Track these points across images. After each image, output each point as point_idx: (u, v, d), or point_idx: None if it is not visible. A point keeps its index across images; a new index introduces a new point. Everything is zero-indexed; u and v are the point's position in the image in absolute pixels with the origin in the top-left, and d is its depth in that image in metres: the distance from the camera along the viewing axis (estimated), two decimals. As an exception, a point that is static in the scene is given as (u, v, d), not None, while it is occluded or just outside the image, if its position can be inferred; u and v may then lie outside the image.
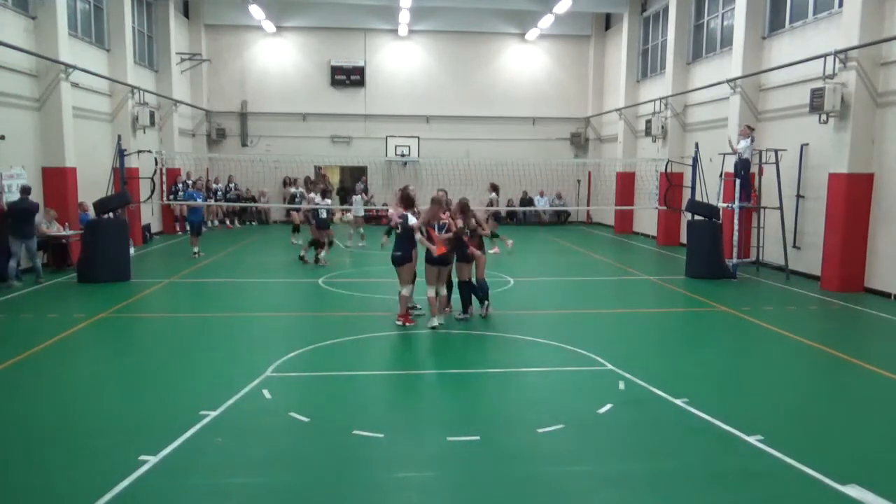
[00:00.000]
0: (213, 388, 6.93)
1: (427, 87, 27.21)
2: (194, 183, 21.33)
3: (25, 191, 12.59)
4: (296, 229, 18.88)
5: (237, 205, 25.36)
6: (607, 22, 27.29)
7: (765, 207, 14.71)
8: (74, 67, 15.08)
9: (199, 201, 17.45)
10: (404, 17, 24.98)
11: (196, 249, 16.57)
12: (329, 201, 16.48)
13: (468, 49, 27.26)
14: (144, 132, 19.34)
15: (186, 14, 25.13)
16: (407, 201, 9.76)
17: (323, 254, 15.42)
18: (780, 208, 14.20)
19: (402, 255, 9.50)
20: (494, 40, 27.40)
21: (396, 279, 9.78)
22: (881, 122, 12.24)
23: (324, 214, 15.57)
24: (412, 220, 9.48)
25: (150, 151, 17.17)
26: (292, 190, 19.15)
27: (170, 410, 6.31)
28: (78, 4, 16.90)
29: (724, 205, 14.53)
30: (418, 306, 10.44)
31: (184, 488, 4.86)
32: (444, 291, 9.77)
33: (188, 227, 17.80)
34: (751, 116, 16.05)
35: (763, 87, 16.03)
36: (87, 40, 17.21)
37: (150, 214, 20.74)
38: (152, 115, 19.47)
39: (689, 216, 15.17)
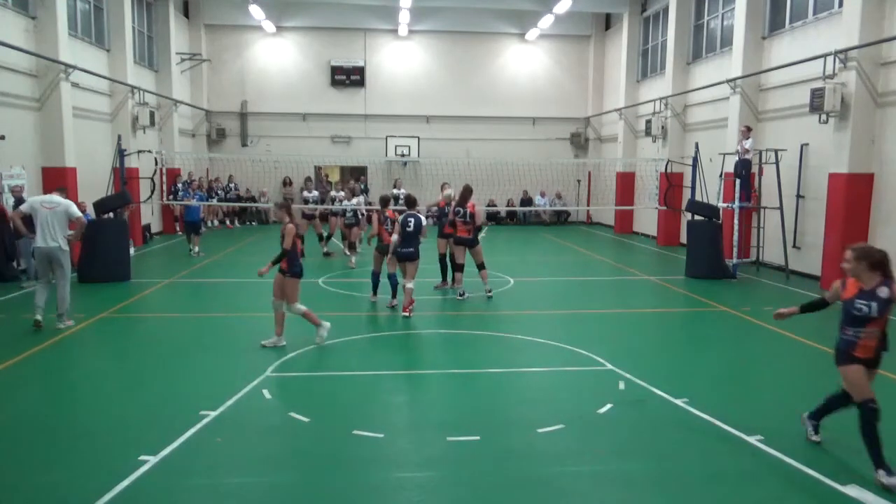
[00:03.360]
0: (213, 388, 6.93)
1: (427, 87, 27.21)
2: (191, 182, 21.36)
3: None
4: (323, 237, 17.50)
5: (237, 205, 25.37)
6: (607, 22, 27.29)
7: (765, 207, 14.71)
8: (74, 67, 15.09)
9: (196, 201, 17.55)
10: (404, 17, 24.97)
11: (196, 249, 16.66)
12: (357, 200, 16.07)
13: (468, 49, 27.26)
14: (144, 132, 19.35)
15: (186, 14, 25.13)
16: (409, 201, 10.80)
17: (326, 248, 16.19)
18: (780, 208, 14.20)
19: (414, 252, 10.25)
20: (494, 40, 27.40)
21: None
22: (881, 122, 12.24)
23: (350, 214, 15.64)
24: (424, 221, 10.51)
25: (150, 151, 17.20)
26: (333, 193, 17.31)
27: (170, 410, 6.32)
28: (78, 4, 16.90)
29: (724, 205, 14.52)
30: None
31: (184, 488, 4.86)
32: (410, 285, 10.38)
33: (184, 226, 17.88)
34: (751, 116, 16.06)
35: (763, 87, 16.03)
36: (87, 40, 17.21)
37: (150, 214, 20.75)
38: (152, 115, 19.48)
39: (689, 216, 15.17)
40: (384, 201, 11.57)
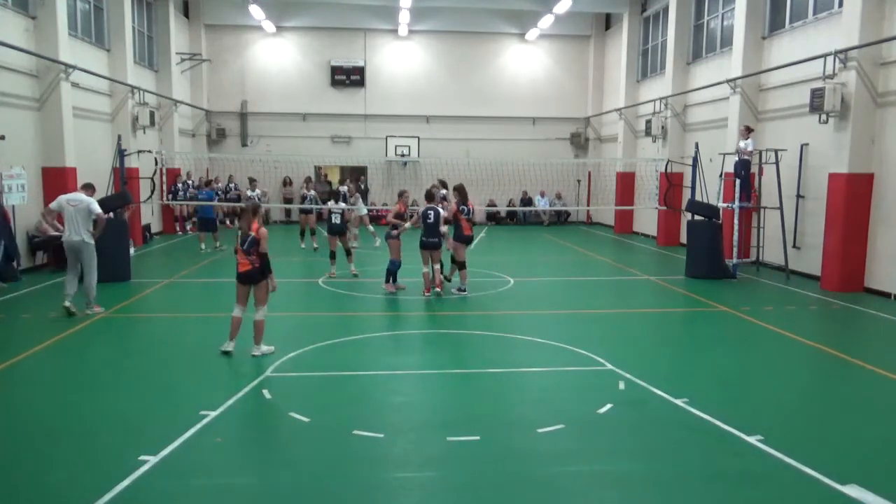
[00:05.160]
0: (213, 388, 6.94)
1: (427, 87, 27.21)
2: (208, 182, 21.71)
3: None
4: (303, 233, 18.31)
5: (237, 205, 25.34)
6: (607, 22, 27.29)
7: (765, 207, 14.71)
8: (74, 67, 15.08)
9: (209, 200, 18.39)
10: (404, 17, 24.97)
11: (217, 243, 17.57)
12: (342, 205, 13.94)
13: (468, 49, 27.26)
14: (144, 132, 19.34)
15: (186, 14, 25.13)
16: (430, 197, 11.96)
17: (334, 268, 13.64)
18: (780, 208, 14.20)
19: (437, 241, 11.44)
20: (494, 40, 27.40)
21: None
22: (881, 122, 12.25)
23: (337, 220, 13.52)
24: (443, 213, 11.60)
25: (150, 151, 17.22)
26: (306, 192, 17.94)
27: (170, 410, 6.32)
28: (78, 4, 16.90)
29: (724, 205, 14.52)
30: (404, 286, 12.22)
31: (184, 488, 4.86)
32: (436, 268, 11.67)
33: (199, 224, 18.30)
34: (751, 116, 16.06)
35: (763, 87, 16.03)
36: (87, 40, 17.21)
37: (150, 214, 20.76)
38: (152, 115, 19.47)
39: (689, 216, 15.18)
40: (401, 195, 12.46)
